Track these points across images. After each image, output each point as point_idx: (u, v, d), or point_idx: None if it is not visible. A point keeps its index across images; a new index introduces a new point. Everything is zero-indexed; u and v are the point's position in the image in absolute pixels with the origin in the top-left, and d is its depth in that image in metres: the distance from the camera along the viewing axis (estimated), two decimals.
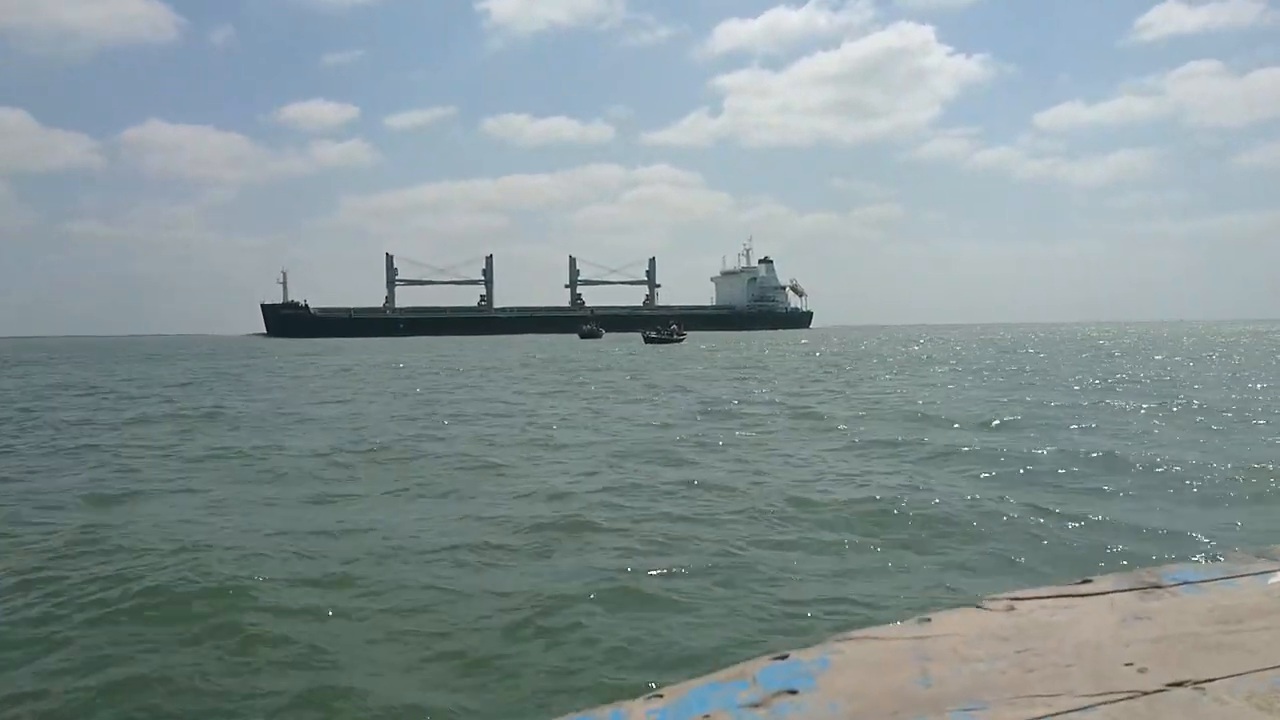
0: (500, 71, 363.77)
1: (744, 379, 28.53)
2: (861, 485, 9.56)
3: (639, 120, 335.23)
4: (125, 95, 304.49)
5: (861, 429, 14.53)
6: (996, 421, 15.21)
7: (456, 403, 21.01)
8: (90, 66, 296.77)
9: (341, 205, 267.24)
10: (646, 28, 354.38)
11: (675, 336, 78.01)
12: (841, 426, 14.92)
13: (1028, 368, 33.18)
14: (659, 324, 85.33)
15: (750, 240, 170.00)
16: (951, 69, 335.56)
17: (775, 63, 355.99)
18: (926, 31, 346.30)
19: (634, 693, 1.22)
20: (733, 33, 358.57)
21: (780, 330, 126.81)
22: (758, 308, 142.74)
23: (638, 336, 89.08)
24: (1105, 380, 25.45)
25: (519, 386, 26.38)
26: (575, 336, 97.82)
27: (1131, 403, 18.00)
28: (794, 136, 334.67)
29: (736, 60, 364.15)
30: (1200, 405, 17.34)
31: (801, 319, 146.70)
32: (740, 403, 19.86)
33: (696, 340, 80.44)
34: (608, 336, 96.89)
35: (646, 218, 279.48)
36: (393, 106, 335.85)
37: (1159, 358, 39.70)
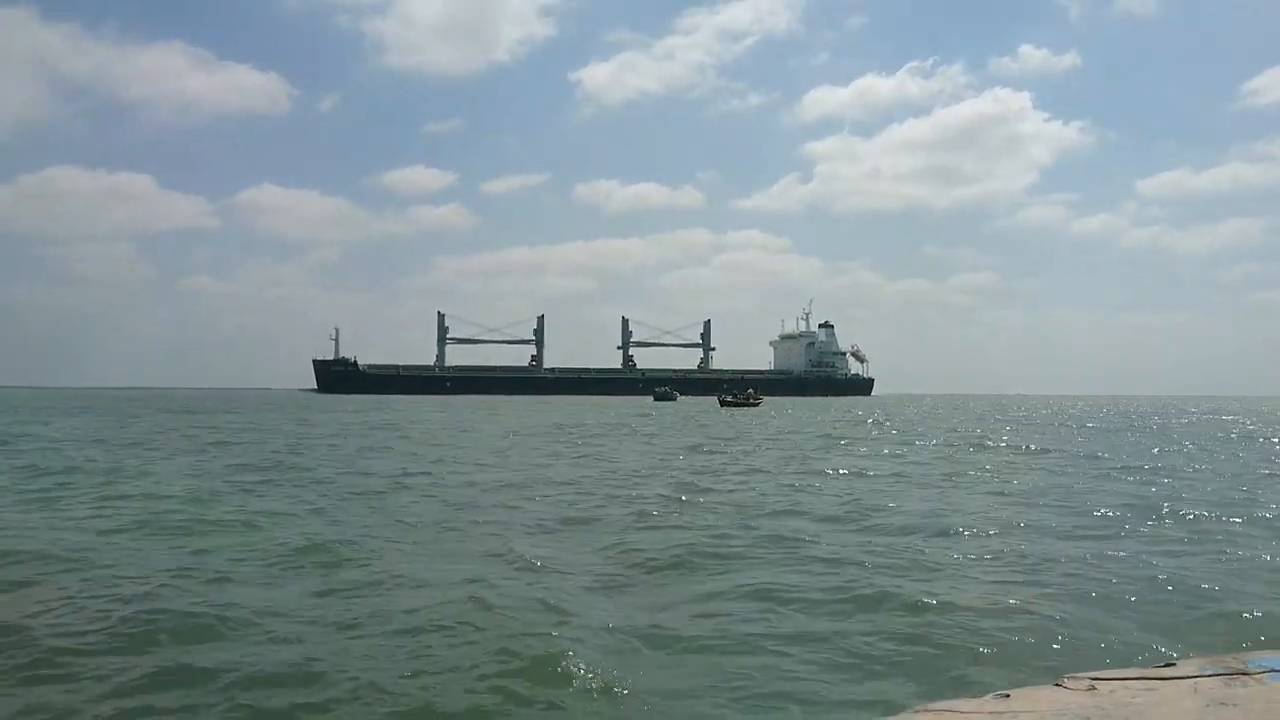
0: (591, 139, 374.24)
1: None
2: None
3: (729, 186, 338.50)
4: (240, 161, 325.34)
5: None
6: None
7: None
8: (209, 134, 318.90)
9: (435, 265, 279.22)
10: (737, 95, 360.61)
11: (751, 401, 75.41)
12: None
13: (1189, 465, 20.27)
14: (735, 388, 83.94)
15: (810, 304, 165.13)
16: (1049, 135, 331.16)
17: (865, 129, 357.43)
18: (1023, 98, 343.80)
19: None
20: (823, 100, 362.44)
21: (841, 397, 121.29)
22: (816, 373, 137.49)
23: (700, 400, 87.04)
24: None
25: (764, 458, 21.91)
26: (644, 399, 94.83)
27: None
28: (885, 202, 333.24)
29: (827, 127, 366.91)
30: None
31: (862, 386, 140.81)
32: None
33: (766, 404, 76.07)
34: (682, 400, 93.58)
35: (736, 281, 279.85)
36: (489, 173, 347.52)
37: None
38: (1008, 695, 1.44)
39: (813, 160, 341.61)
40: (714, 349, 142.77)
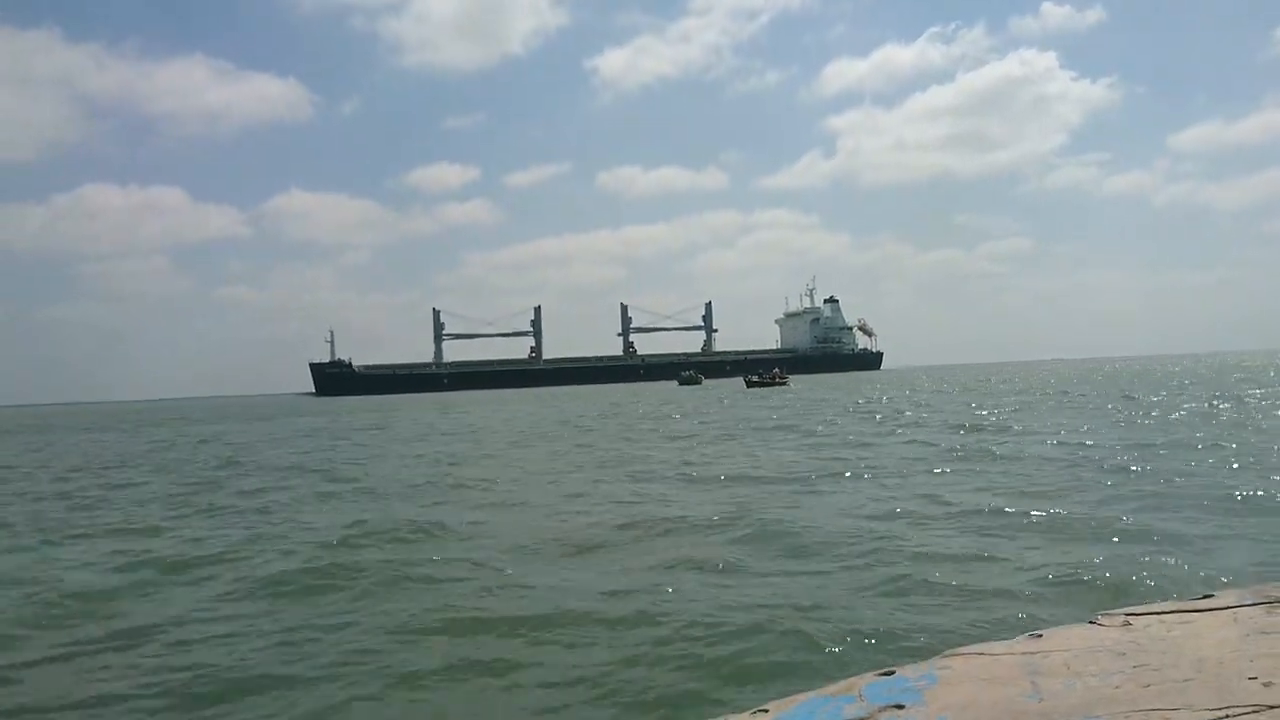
0: (611, 126, 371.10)
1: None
2: None
3: (752, 165, 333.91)
4: (267, 168, 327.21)
5: None
6: None
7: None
8: (236, 144, 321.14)
9: (465, 261, 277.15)
10: (755, 73, 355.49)
11: (778, 381, 72.74)
12: None
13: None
14: (761, 369, 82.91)
15: (814, 280, 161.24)
16: (1077, 94, 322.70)
17: (887, 100, 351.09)
18: (1048, 58, 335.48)
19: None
20: (842, 73, 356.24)
21: (848, 373, 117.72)
22: (822, 349, 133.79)
23: (720, 384, 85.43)
24: None
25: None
26: (649, 385, 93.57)
27: None
28: (911, 173, 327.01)
29: (848, 100, 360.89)
30: None
31: (871, 360, 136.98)
32: None
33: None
34: (707, 383, 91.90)
35: (766, 261, 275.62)
36: (511, 166, 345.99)
37: None
38: (1040, 635, 1.45)
39: (834, 135, 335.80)
40: (716, 330, 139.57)
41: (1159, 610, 1.51)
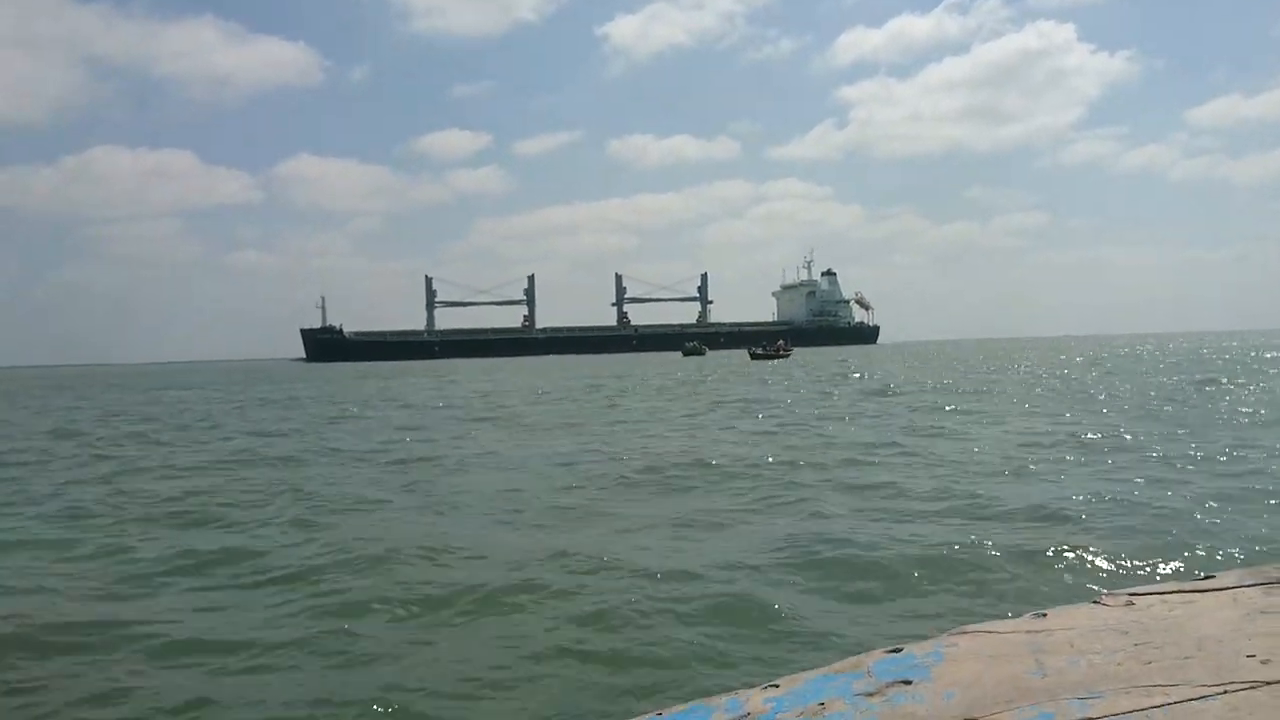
0: (623, 94, 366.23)
1: None
2: None
3: (764, 135, 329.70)
4: (278, 133, 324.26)
5: None
6: None
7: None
8: (246, 107, 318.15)
9: (476, 229, 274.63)
10: (769, 42, 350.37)
11: (781, 353, 73.43)
12: None
13: None
14: (765, 340, 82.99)
15: (812, 252, 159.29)
16: (1095, 67, 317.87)
17: (902, 71, 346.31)
18: (1067, 30, 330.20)
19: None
20: (856, 43, 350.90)
21: (843, 346, 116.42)
22: (817, 322, 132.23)
23: (724, 355, 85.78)
24: None
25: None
26: (643, 356, 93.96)
27: None
28: (926, 145, 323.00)
29: (862, 70, 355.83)
30: None
31: (867, 334, 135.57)
32: None
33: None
34: (711, 354, 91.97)
35: (777, 232, 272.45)
36: (522, 133, 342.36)
37: None
38: (1044, 614, 1.47)
39: (847, 105, 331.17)
40: (711, 302, 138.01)
41: (1162, 590, 1.54)
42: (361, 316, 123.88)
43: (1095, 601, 1.50)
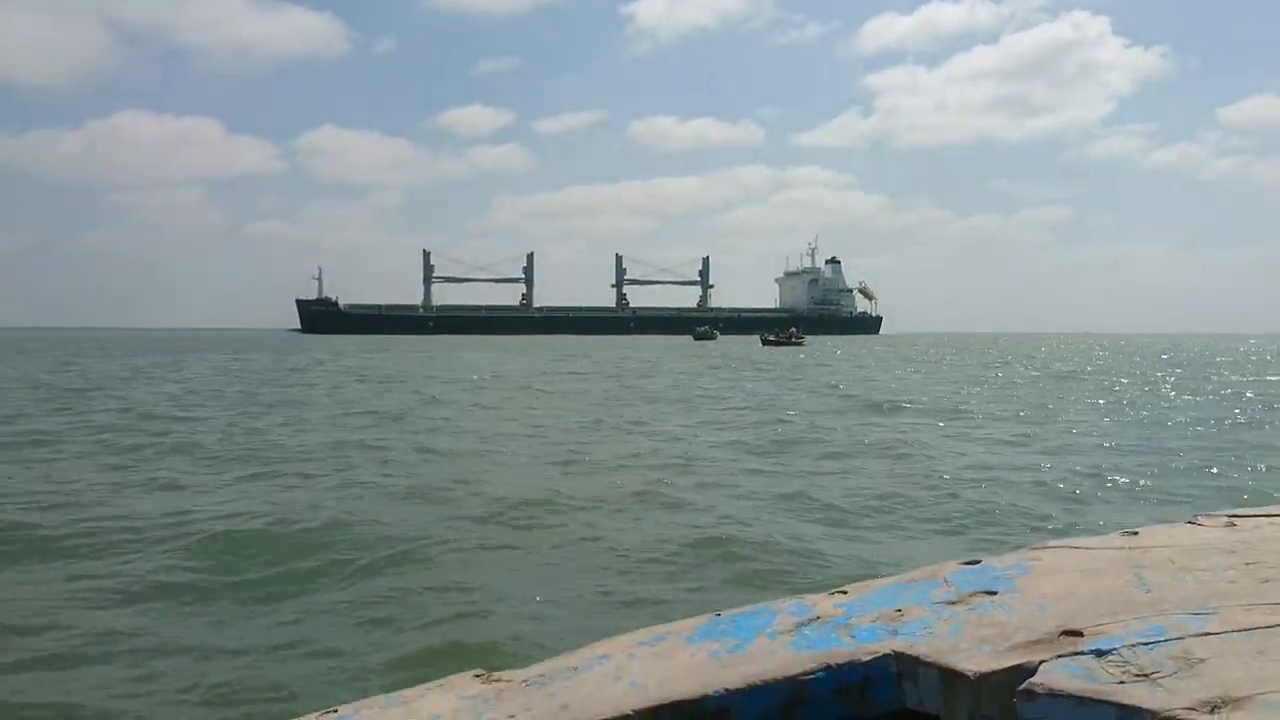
0: (647, 75, 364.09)
1: None
2: None
3: (788, 121, 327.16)
4: (301, 103, 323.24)
5: None
6: None
7: None
8: (270, 78, 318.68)
9: (495, 206, 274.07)
10: (795, 26, 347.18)
11: (794, 340, 72.05)
12: None
13: None
14: (777, 327, 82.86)
15: (816, 239, 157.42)
16: (1128, 62, 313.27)
17: (930, 59, 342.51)
18: (1101, 22, 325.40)
19: None
20: (884, 29, 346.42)
21: (840, 336, 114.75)
22: (819, 310, 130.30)
23: (734, 340, 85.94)
24: None
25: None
26: (639, 339, 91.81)
27: None
28: (952, 135, 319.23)
29: (889, 58, 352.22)
30: None
31: (869, 324, 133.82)
32: None
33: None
34: (722, 339, 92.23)
35: (797, 220, 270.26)
36: (544, 111, 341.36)
37: None
38: (1136, 533, 1.40)
39: (873, 93, 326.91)
40: (712, 286, 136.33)
41: (1266, 513, 1.47)
42: (371, 290, 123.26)
43: (1191, 521, 1.45)
